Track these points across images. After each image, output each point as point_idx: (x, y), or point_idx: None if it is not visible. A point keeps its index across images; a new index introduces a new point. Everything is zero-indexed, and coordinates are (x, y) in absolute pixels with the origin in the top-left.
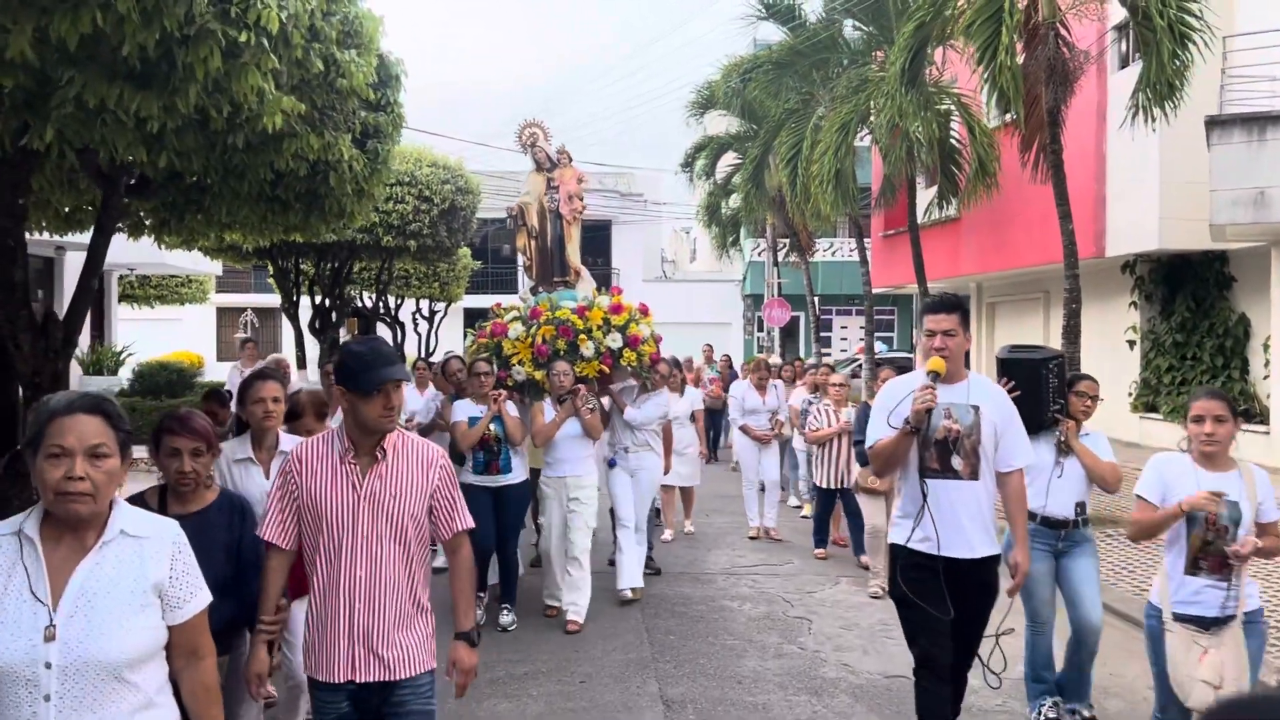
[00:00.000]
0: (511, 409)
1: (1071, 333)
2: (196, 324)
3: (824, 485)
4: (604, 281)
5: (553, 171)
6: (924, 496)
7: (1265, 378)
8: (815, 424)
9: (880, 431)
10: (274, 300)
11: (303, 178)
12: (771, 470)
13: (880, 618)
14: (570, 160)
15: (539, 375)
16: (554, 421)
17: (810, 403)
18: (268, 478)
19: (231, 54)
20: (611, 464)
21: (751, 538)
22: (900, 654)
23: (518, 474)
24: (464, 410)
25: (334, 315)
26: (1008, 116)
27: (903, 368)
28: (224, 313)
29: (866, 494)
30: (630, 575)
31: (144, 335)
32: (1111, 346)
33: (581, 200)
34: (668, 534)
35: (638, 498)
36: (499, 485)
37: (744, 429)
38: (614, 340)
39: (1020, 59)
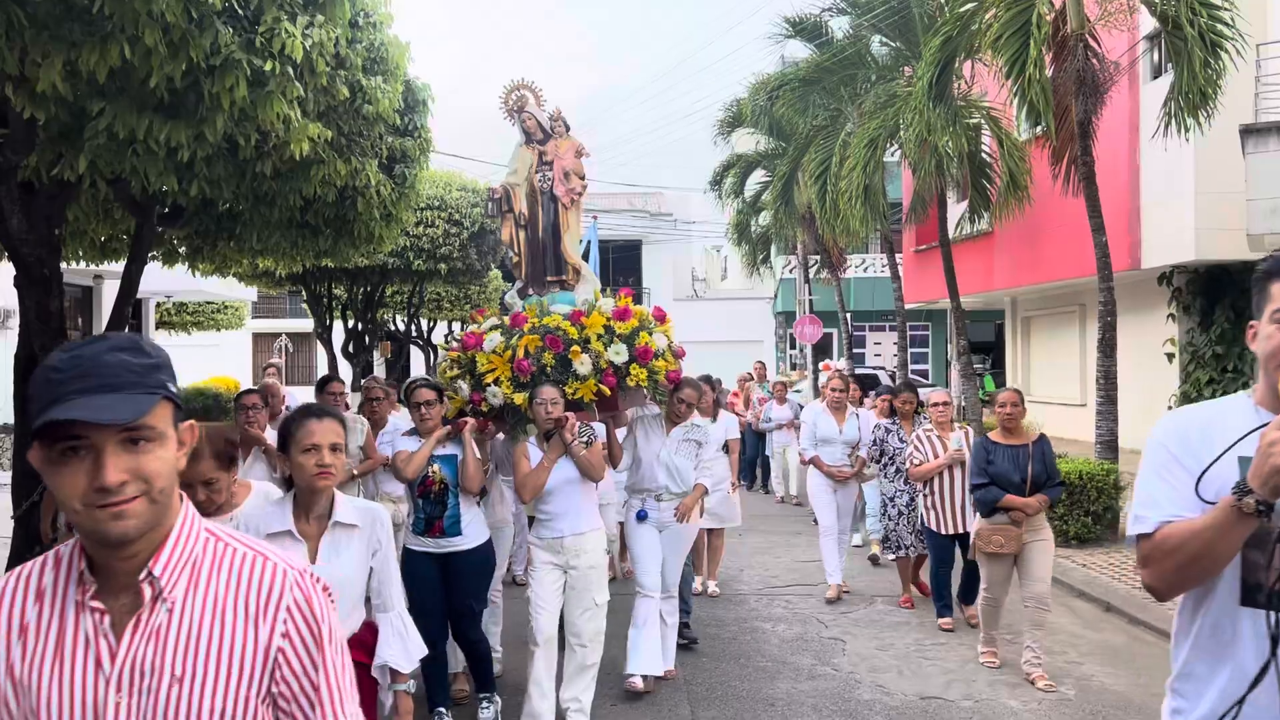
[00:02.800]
0: (467, 444)
1: (1107, 346)
2: (233, 349)
3: (941, 530)
4: (635, 302)
5: (545, 144)
6: (1273, 650)
7: None
8: (918, 456)
9: (1166, 503)
10: (308, 325)
11: (331, 203)
12: (845, 513)
13: (915, 638)
14: (568, 129)
15: (520, 399)
16: (540, 466)
17: (887, 429)
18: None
19: (257, 83)
20: (641, 516)
21: (830, 600)
22: (936, 674)
23: (472, 535)
24: (406, 442)
25: (366, 339)
26: (1038, 129)
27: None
28: (260, 338)
29: (989, 559)
30: (646, 656)
31: (181, 361)
32: (1149, 359)
33: (582, 179)
34: (698, 584)
35: (669, 559)
36: (446, 552)
37: (815, 463)
38: (618, 353)
39: (1049, 71)
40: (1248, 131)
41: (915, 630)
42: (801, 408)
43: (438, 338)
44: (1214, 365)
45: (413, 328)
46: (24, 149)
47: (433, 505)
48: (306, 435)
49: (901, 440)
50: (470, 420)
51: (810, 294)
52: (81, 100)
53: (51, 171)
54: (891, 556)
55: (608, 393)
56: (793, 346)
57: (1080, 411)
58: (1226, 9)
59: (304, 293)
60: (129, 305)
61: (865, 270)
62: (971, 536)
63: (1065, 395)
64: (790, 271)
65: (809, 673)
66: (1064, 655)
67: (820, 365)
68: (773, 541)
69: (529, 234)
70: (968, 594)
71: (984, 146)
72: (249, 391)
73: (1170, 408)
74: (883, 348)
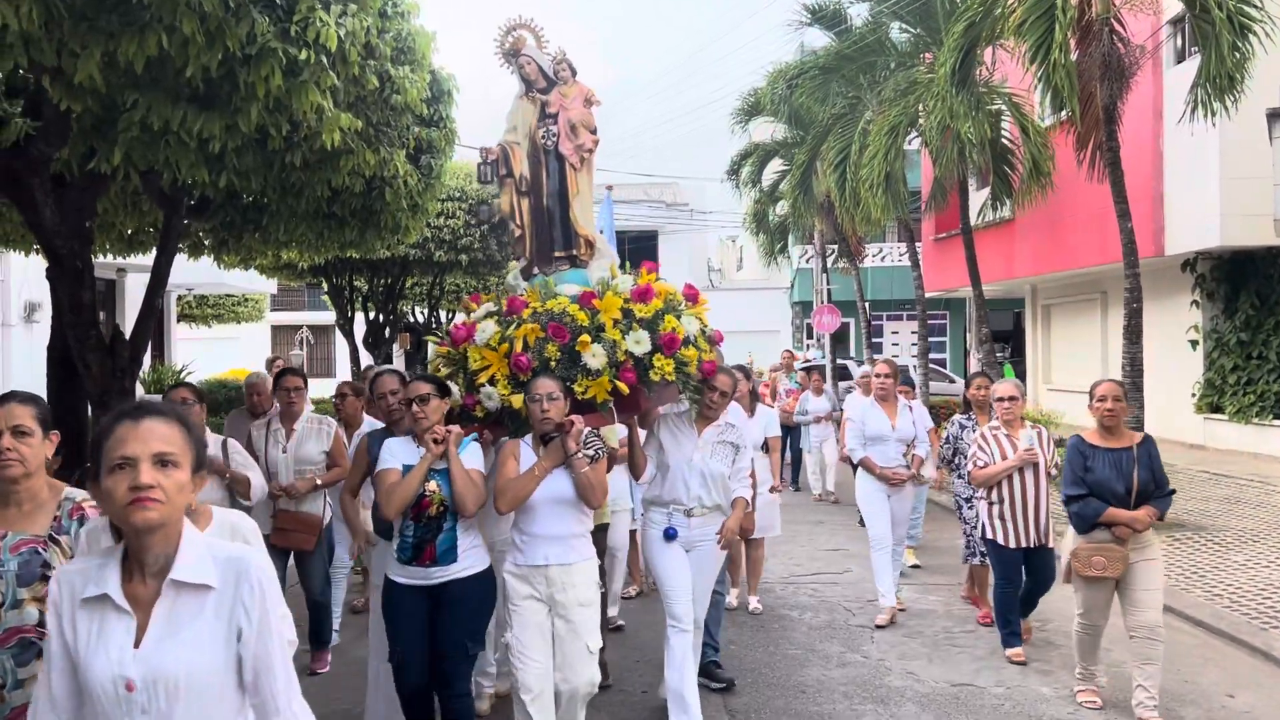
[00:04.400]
0: (473, 455)
1: (1133, 333)
2: (252, 342)
3: (1009, 543)
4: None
5: (548, 93)
6: None
7: None
8: (982, 457)
9: None
10: (328, 317)
11: (358, 194)
12: (901, 522)
13: (944, 625)
14: (574, 75)
15: (519, 402)
16: (529, 473)
17: (962, 424)
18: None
19: (291, 72)
20: (670, 535)
21: (880, 626)
22: (966, 661)
23: (470, 561)
24: (394, 454)
25: (387, 331)
26: (1062, 114)
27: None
28: (279, 330)
29: (1087, 583)
30: (695, 708)
31: (202, 354)
32: (1173, 346)
33: (593, 133)
34: (732, 598)
35: (698, 584)
36: (437, 583)
37: (865, 464)
38: (638, 342)
39: (1074, 56)
40: (1275, 115)
41: (943, 619)
42: (841, 400)
43: None
44: (1239, 352)
45: (433, 319)
46: (58, 141)
47: (425, 529)
48: (116, 446)
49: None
50: (454, 429)
51: (828, 283)
52: (115, 92)
53: (86, 165)
54: (976, 562)
55: (626, 390)
56: (809, 336)
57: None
58: None
59: (325, 285)
60: (159, 297)
61: (883, 259)
62: (1063, 557)
63: (1086, 384)
64: (807, 261)
65: (839, 660)
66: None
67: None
68: (795, 531)
69: (532, 201)
70: (1025, 606)
71: (1005, 133)
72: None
73: (1194, 395)
74: (900, 337)
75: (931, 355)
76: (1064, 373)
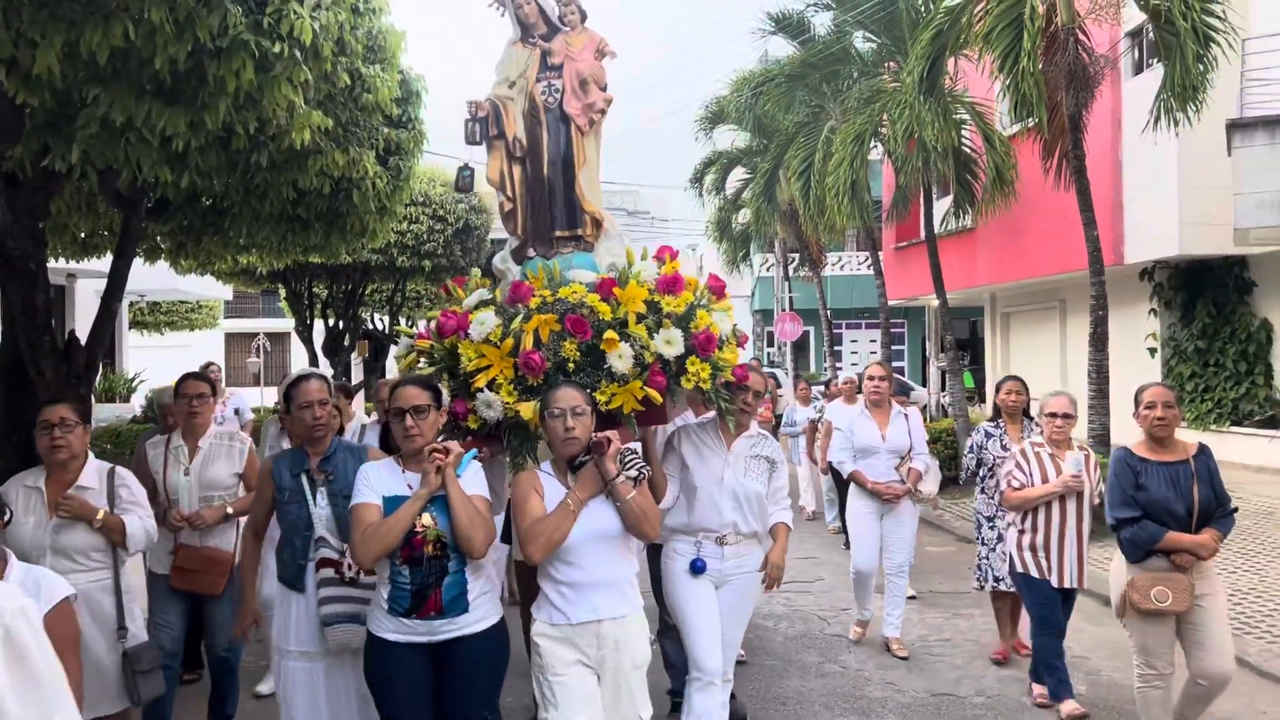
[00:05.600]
0: (475, 478)
1: (1099, 340)
2: (205, 350)
3: (1049, 578)
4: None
5: (550, 39)
6: None
7: None
8: (1019, 477)
9: None
10: (285, 325)
11: (325, 196)
12: (897, 548)
13: (920, 634)
14: (584, 20)
15: (529, 411)
16: (562, 509)
17: (988, 433)
18: None
19: (262, 67)
20: (698, 568)
21: (855, 640)
22: (945, 670)
23: (483, 612)
24: (371, 484)
25: (346, 338)
26: (1027, 123)
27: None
28: (233, 338)
29: (1146, 620)
30: None
31: (154, 362)
32: (1132, 354)
33: (604, 90)
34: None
35: (729, 627)
36: (441, 640)
37: (855, 479)
38: (670, 342)
39: (1039, 65)
40: (1235, 126)
41: (919, 627)
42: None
43: None
44: (1196, 360)
45: (394, 326)
46: (11, 138)
47: (425, 572)
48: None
49: (1005, 448)
50: (453, 445)
51: (790, 291)
52: (74, 85)
53: (40, 163)
54: (978, 587)
55: (658, 399)
56: (771, 344)
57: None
58: (1217, 2)
59: (283, 291)
60: (117, 301)
61: (842, 268)
62: (1117, 590)
63: (1044, 390)
64: (768, 269)
65: (817, 670)
66: (1069, 650)
67: (798, 386)
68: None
69: (528, 170)
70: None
71: (968, 142)
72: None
73: None
74: (860, 345)
75: (893, 364)
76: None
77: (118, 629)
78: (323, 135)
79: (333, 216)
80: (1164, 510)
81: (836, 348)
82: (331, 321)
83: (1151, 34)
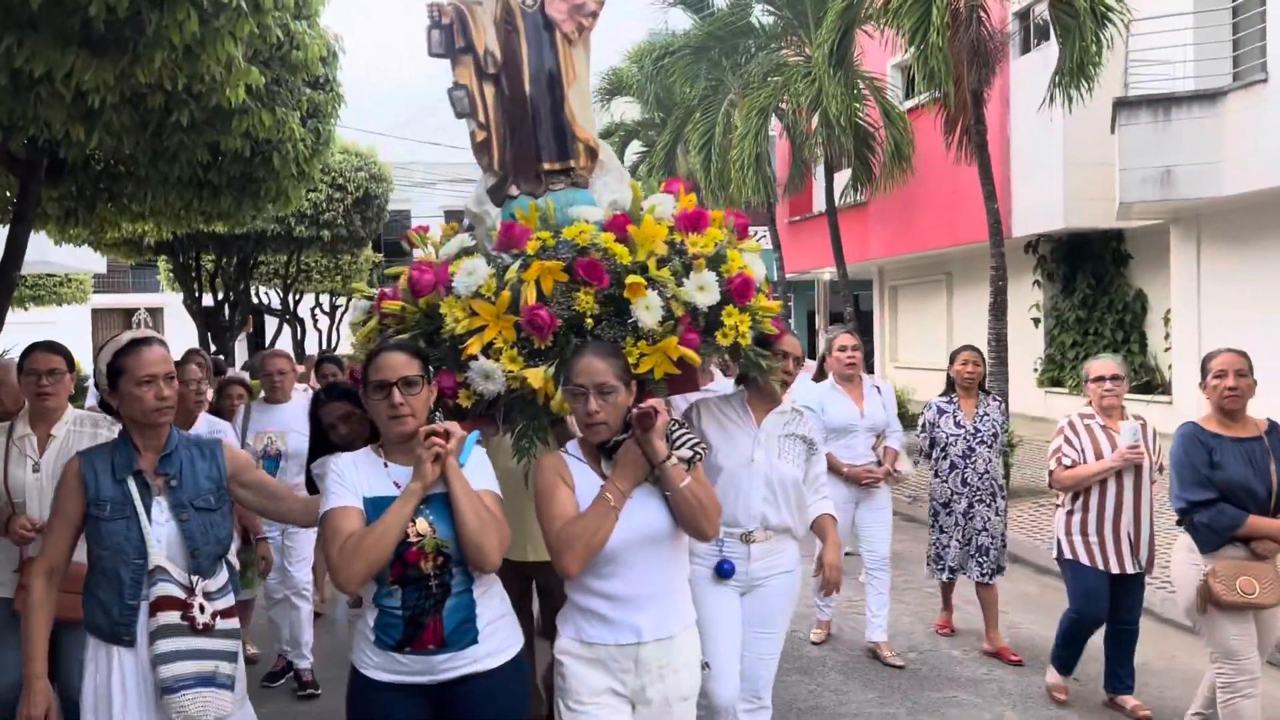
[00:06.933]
0: (481, 468)
1: (998, 310)
2: (70, 328)
3: (1099, 565)
4: None
5: None
6: None
7: (1166, 349)
8: (1069, 453)
9: None
10: (159, 300)
11: (241, 159)
12: (878, 538)
13: (848, 595)
14: None
15: (539, 380)
16: (600, 504)
17: (940, 409)
18: None
19: (204, 19)
20: (725, 570)
21: (815, 642)
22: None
23: (497, 641)
24: (345, 480)
25: (235, 312)
26: (921, 99)
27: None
28: (100, 315)
29: (1226, 613)
30: None
31: (15, 340)
32: (1018, 325)
33: None
34: None
35: (759, 640)
36: (444, 679)
37: (830, 464)
38: (702, 288)
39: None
40: (1121, 104)
41: (848, 589)
42: None
43: (304, 310)
44: (1077, 329)
45: (283, 299)
46: None
47: (421, 594)
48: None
49: (959, 425)
50: (453, 427)
51: None
52: None
53: None
54: (945, 579)
55: (696, 359)
56: None
57: (940, 375)
58: None
59: (169, 263)
60: (16, 270)
61: None
62: (1189, 585)
63: (932, 360)
64: None
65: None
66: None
67: None
68: None
69: (504, 90)
70: (1114, 678)
71: (865, 117)
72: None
73: (1036, 370)
74: None
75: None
76: (910, 350)
77: None
78: (250, 95)
79: (245, 182)
80: (1243, 491)
81: None
82: (221, 295)
83: (1040, 15)
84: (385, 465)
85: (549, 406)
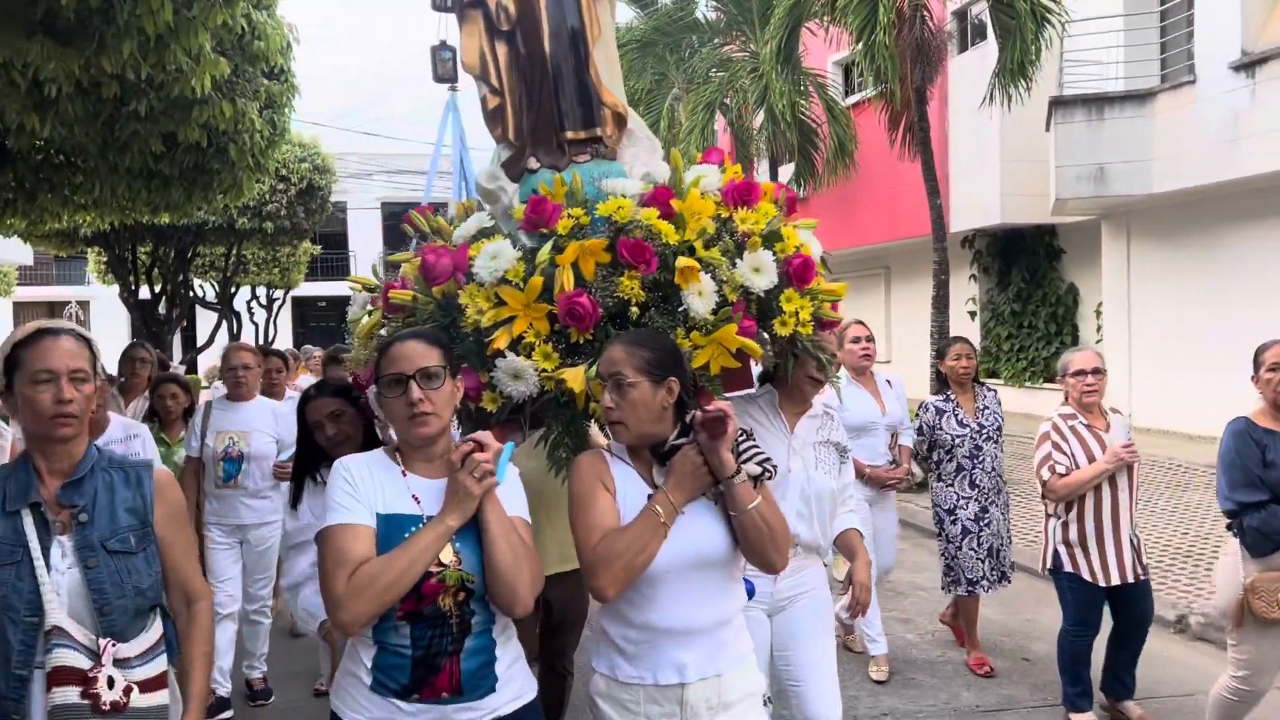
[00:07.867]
0: (514, 489)
1: (941, 303)
2: None
3: (1096, 578)
4: None
5: None
6: None
7: (1098, 341)
8: (1060, 460)
9: None
10: (86, 293)
11: (195, 150)
12: (888, 544)
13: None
14: None
15: (577, 380)
16: (647, 517)
17: (939, 409)
18: None
19: (177, 9)
20: (749, 591)
21: (880, 680)
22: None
23: (516, 688)
24: (358, 489)
25: (171, 304)
26: (864, 95)
27: None
28: (22, 308)
29: (1262, 629)
30: None
31: None
32: (955, 318)
33: None
34: None
35: (801, 664)
36: None
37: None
38: (758, 269)
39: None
40: (1057, 103)
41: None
42: None
43: (240, 303)
44: (1012, 322)
45: (226, 292)
46: None
47: (434, 633)
48: None
49: (963, 424)
50: (487, 438)
51: None
52: None
53: None
54: (962, 592)
55: (758, 351)
56: None
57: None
58: None
59: (105, 254)
60: None
61: None
62: (1228, 592)
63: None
64: None
65: None
66: (934, 592)
67: None
68: None
69: (520, 49)
70: (1117, 683)
71: (808, 113)
72: None
73: None
74: None
75: None
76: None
77: None
78: (211, 86)
79: (197, 173)
80: None
81: None
82: (159, 287)
83: (978, 15)
84: (403, 474)
85: (589, 409)
